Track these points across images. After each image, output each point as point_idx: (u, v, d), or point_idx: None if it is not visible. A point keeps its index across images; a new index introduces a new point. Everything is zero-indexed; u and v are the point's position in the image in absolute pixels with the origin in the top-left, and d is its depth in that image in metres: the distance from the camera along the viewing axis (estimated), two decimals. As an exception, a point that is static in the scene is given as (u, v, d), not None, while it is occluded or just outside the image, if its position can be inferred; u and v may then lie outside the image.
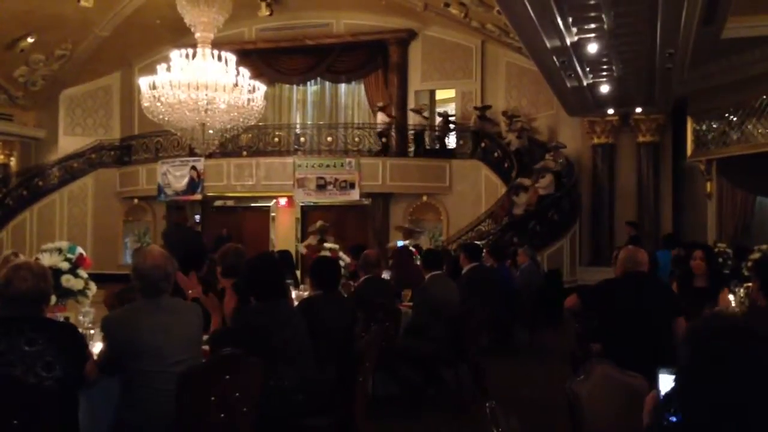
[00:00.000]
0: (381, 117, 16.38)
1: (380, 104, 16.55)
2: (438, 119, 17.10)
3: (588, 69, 10.96)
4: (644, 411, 1.88)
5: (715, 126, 13.14)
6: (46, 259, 3.92)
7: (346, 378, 3.85)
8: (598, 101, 13.16)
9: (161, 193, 16.70)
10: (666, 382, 1.85)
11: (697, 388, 1.66)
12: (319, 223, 12.26)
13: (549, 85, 12.47)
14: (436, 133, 16.92)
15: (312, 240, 11.92)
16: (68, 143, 18.71)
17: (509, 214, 13.41)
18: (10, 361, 2.78)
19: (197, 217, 17.12)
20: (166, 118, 10.66)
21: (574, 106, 13.72)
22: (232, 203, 18.01)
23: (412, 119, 16.71)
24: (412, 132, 16.58)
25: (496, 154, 15.58)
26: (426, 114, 16.91)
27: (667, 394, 1.82)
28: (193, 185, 16.35)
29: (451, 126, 16.70)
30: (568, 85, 11.74)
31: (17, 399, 2.62)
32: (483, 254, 7.86)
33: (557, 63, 10.47)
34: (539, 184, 13.59)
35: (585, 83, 11.66)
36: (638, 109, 13.87)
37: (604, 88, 12.11)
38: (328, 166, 15.74)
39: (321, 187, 15.61)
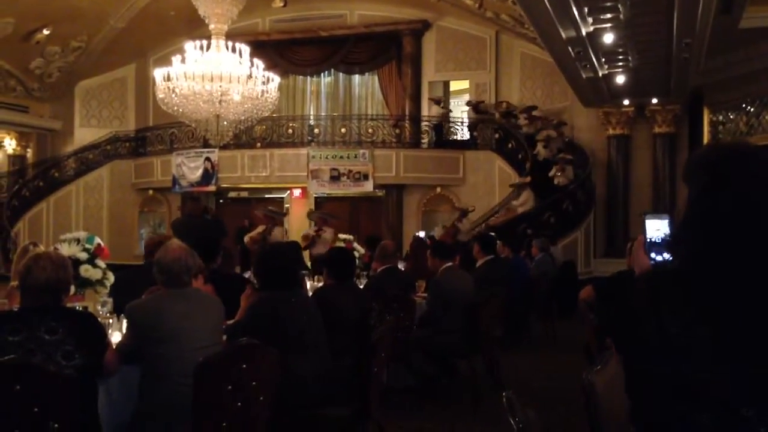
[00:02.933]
0: (436, 110, 16.46)
1: (435, 97, 16.50)
2: (466, 108, 17.04)
3: (604, 59, 10.89)
4: (633, 255, 1.89)
5: (732, 117, 13.02)
6: (65, 249, 3.96)
7: (362, 368, 3.86)
8: (614, 92, 13.08)
9: (176, 184, 16.78)
10: (652, 226, 1.85)
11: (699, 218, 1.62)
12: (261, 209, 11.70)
13: (564, 75, 12.39)
14: (465, 124, 16.90)
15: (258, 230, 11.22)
16: (84, 135, 18.83)
17: (455, 239, 13.18)
18: (30, 349, 2.81)
19: (210, 208, 17.17)
20: (181, 110, 10.68)
21: (589, 97, 13.63)
22: (246, 194, 18.06)
23: (431, 110, 16.67)
24: (429, 124, 16.55)
25: (510, 145, 15.52)
26: (443, 105, 16.79)
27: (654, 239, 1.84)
28: (208, 176, 16.41)
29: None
30: (584, 75, 11.67)
31: (37, 387, 2.65)
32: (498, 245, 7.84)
33: (572, 53, 10.40)
34: (517, 202, 13.46)
35: (600, 74, 11.59)
36: (654, 100, 13.78)
37: (620, 79, 12.03)
38: (341, 157, 15.75)
39: (335, 178, 15.63)
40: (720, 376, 1.47)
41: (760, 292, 1.49)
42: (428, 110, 17.20)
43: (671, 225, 1.86)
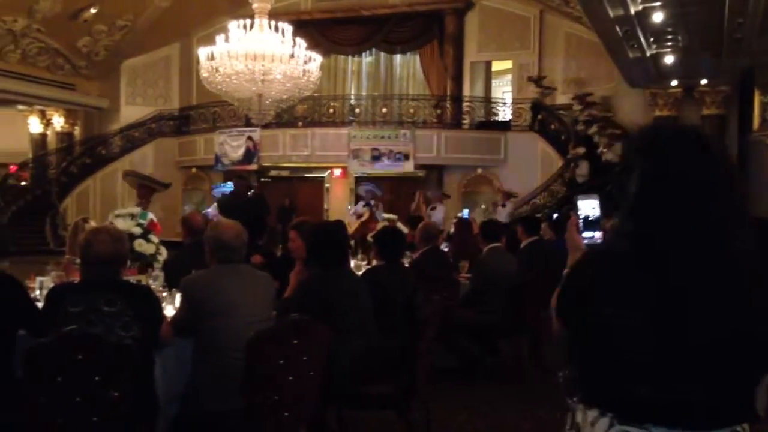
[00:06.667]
0: (534, 89, 15.97)
1: (533, 76, 15.96)
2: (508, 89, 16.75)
3: (652, 39, 10.68)
4: (567, 235, 1.94)
5: (783, 98, 12.69)
6: (120, 224, 4.05)
7: (408, 347, 3.89)
8: (662, 72, 12.81)
9: (218, 162, 16.98)
10: (583, 206, 1.89)
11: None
12: None
13: (610, 55, 12.20)
14: (507, 105, 16.64)
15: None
16: (129, 113, 19.12)
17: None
18: (90, 320, 2.90)
19: (251, 191, 17.31)
20: (224, 89, 10.77)
21: (635, 78, 13.39)
22: (287, 173, 18.19)
23: (527, 90, 16.28)
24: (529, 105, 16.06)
25: (553, 126, 15.33)
26: (547, 84, 15.89)
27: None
28: (249, 155, 16.57)
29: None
30: (631, 55, 11.46)
31: (98, 357, 2.73)
32: (542, 227, 7.77)
33: (620, 33, 10.23)
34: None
35: (648, 54, 11.37)
36: (703, 81, 13.46)
37: (668, 59, 11.79)
38: (382, 137, 15.75)
39: (375, 158, 15.65)
40: (658, 359, 1.53)
41: (701, 276, 1.54)
42: (513, 91, 16.76)
43: (601, 205, 1.90)
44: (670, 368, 1.54)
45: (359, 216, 11.11)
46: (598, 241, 1.87)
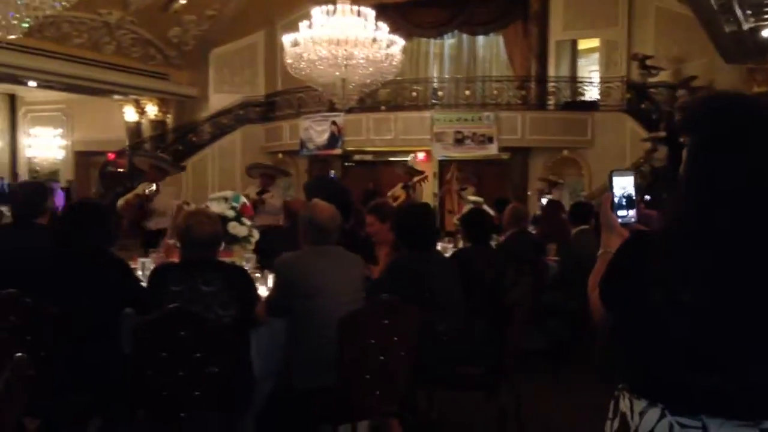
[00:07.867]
0: (639, 69, 14.93)
1: (639, 54, 14.81)
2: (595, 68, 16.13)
3: (749, 11, 10.16)
4: (600, 213, 1.84)
5: None
6: (215, 207, 4.19)
7: (497, 329, 3.88)
8: (760, 47, 12.17)
9: (303, 147, 17.24)
10: (618, 183, 1.79)
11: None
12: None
13: (704, 30, 11.68)
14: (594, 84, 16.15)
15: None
16: (217, 100, 19.61)
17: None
18: (190, 299, 3.02)
19: (332, 172, 17.52)
20: (308, 74, 10.92)
21: (731, 53, 12.77)
22: (371, 158, 18.30)
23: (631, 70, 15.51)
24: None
25: (643, 105, 14.82)
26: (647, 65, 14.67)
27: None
28: (334, 140, 16.75)
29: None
30: (726, 30, 10.94)
31: (199, 334, 2.85)
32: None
33: (715, 6, 9.79)
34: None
35: (745, 27, 10.81)
36: (806, 55, 12.74)
37: (767, 33, 11.19)
38: (465, 120, 15.62)
39: (459, 141, 15.54)
40: (728, 346, 1.45)
41: (750, 260, 1.45)
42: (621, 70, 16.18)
43: (635, 182, 1.81)
44: (741, 356, 1.45)
45: (395, 199, 10.98)
46: (633, 219, 1.77)
